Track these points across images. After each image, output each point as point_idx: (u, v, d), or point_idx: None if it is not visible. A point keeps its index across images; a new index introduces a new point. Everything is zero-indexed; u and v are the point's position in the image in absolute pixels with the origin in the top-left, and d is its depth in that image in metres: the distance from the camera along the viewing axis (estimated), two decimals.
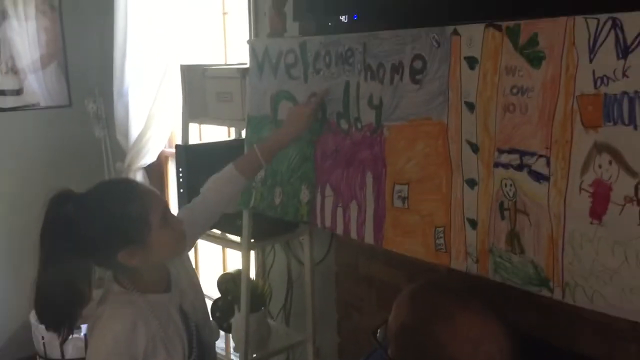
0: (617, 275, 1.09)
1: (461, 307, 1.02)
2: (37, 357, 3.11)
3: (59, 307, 1.30)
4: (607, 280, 1.10)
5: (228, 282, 2.21)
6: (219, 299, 2.25)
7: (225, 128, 2.58)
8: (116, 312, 1.31)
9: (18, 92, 3.14)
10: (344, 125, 1.58)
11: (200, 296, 1.53)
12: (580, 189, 1.11)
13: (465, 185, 1.31)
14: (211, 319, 2.16)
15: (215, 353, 1.63)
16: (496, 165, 1.24)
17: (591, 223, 1.11)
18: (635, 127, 1.02)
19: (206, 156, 2.12)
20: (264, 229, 2.05)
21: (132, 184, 1.41)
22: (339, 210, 1.63)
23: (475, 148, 1.27)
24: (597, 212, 1.09)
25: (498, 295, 1.45)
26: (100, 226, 1.27)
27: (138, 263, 1.30)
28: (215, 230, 2.17)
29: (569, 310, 1.31)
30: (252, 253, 2.12)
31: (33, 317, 3.08)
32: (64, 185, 1.35)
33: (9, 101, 3.12)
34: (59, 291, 1.29)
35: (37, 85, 3.17)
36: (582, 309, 1.25)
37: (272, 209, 1.83)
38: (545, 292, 1.21)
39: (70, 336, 1.35)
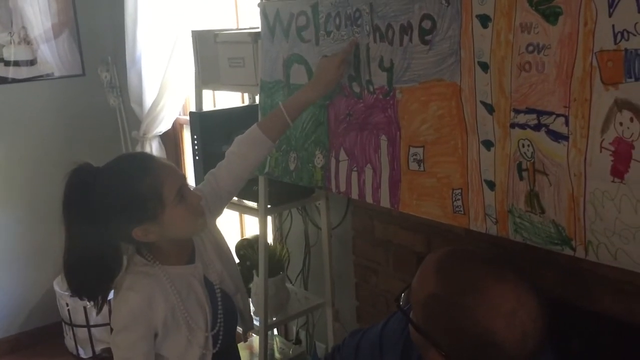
0: (637, 232, 1.07)
1: (494, 278, 0.98)
2: (63, 323, 3.19)
3: (90, 279, 1.32)
4: (630, 238, 1.08)
5: (246, 248, 2.23)
6: (237, 264, 2.27)
7: (239, 94, 2.57)
8: (134, 283, 1.32)
9: (32, 62, 3.14)
10: (356, 88, 1.56)
11: (231, 265, 1.52)
12: (601, 147, 1.08)
13: (481, 146, 1.29)
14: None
15: (251, 321, 1.64)
16: (512, 125, 1.21)
17: (613, 181, 1.08)
18: None
19: (221, 123, 2.12)
20: (281, 195, 2.05)
21: (147, 158, 1.37)
22: (354, 175, 1.62)
23: (490, 109, 1.24)
24: (619, 170, 1.07)
25: (517, 256, 1.45)
26: (113, 203, 1.27)
27: (154, 239, 1.30)
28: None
29: (588, 269, 1.30)
30: (269, 218, 2.12)
31: (57, 284, 3.14)
32: (81, 155, 1.35)
33: (24, 72, 3.12)
34: (88, 263, 1.30)
35: (50, 55, 3.16)
36: (600, 268, 1.25)
37: (287, 175, 1.82)
38: (567, 251, 1.20)
39: (105, 305, 1.37)
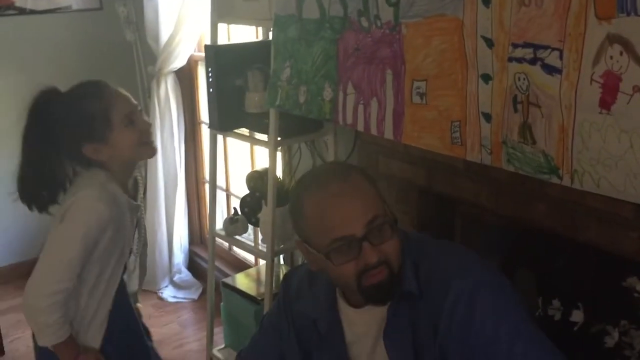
0: (622, 161, 1.14)
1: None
2: None
3: (41, 192, 1.54)
4: (613, 167, 1.16)
5: (256, 179, 2.32)
6: (247, 195, 2.37)
7: (253, 30, 2.61)
8: (102, 196, 1.51)
9: None
10: (364, 23, 1.61)
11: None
12: (592, 80, 1.14)
13: (480, 80, 1.35)
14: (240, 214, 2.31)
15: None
16: (510, 59, 1.27)
17: (600, 113, 1.15)
18: None
19: (235, 57, 2.18)
20: (290, 128, 2.12)
21: (102, 85, 1.56)
22: (360, 108, 1.69)
23: (490, 43, 1.30)
24: (607, 102, 1.13)
25: (507, 188, 1.53)
26: (66, 120, 1.48)
27: (104, 158, 1.47)
28: (243, 129, 2.26)
29: (575, 201, 1.38)
30: (279, 153, 2.20)
31: None
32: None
33: (42, 3, 3.18)
34: (40, 176, 1.53)
35: None
36: (588, 199, 1.32)
37: (297, 107, 1.89)
38: (554, 180, 1.27)
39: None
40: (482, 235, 1.81)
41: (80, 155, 1.52)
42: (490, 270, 1.20)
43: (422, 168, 1.83)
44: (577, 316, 1.37)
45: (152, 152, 1.59)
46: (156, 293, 3.39)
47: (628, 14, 1.06)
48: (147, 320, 3.17)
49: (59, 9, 3.20)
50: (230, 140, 2.97)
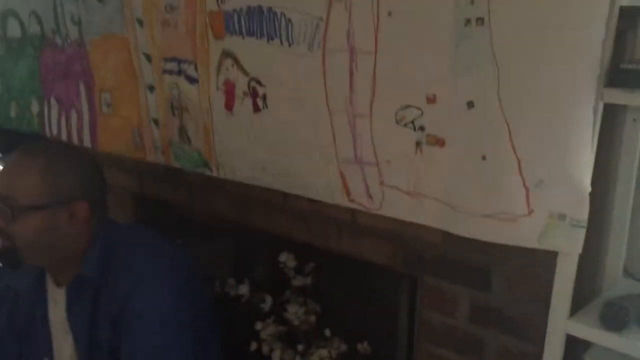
0: (245, 152, 1.41)
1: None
2: None
3: None
4: (241, 157, 1.42)
5: None
6: None
7: None
8: None
9: None
10: (58, 40, 1.76)
11: None
12: (217, 87, 1.41)
13: (147, 90, 1.57)
14: None
15: None
16: (164, 72, 1.51)
17: (226, 114, 1.41)
18: (243, 37, 1.32)
19: None
20: (12, 143, 2.18)
21: None
22: (62, 119, 1.83)
23: (149, 58, 1.53)
24: (229, 104, 1.40)
25: (197, 187, 1.76)
26: None
27: None
28: None
29: (244, 193, 1.62)
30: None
31: None
32: None
33: None
34: None
35: None
36: (254, 191, 1.58)
37: (9, 122, 1.97)
38: (207, 172, 1.52)
39: None
40: (184, 229, 2.03)
41: None
42: (166, 264, 1.31)
43: (134, 175, 2.01)
44: (243, 289, 1.62)
45: None
46: None
47: (232, 34, 1.34)
48: None
49: None
50: None
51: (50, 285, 1.37)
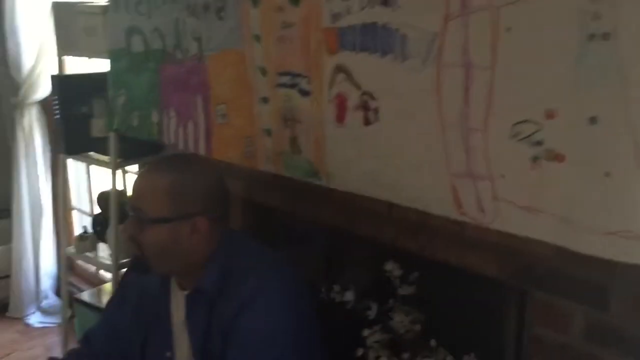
0: (356, 163, 1.45)
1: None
2: None
3: None
4: (351, 168, 1.46)
5: (106, 198, 2.51)
6: (99, 214, 2.55)
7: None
8: None
9: None
10: (178, 55, 1.87)
11: None
12: (329, 100, 1.46)
13: (260, 102, 1.64)
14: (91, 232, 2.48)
15: None
16: (278, 85, 1.57)
17: (338, 126, 1.46)
18: (357, 52, 1.36)
19: (80, 86, 2.39)
20: (133, 151, 2.34)
21: None
22: (180, 129, 1.95)
23: (264, 72, 1.60)
24: (340, 117, 1.44)
25: (303, 194, 1.81)
26: None
27: None
28: (93, 153, 2.46)
29: (351, 201, 1.67)
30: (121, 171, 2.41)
31: None
32: None
33: None
34: None
35: None
36: (359, 200, 1.61)
37: (131, 130, 2.12)
38: (317, 181, 1.56)
39: None
40: (290, 236, 2.10)
41: None
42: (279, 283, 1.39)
43: (244, 182, 2.11)
44: (349, 296, 1.66)
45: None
46: (22, 320, 3.43)
47: (345, 49, 1.38)
48: (11, 345, 3.23)
49: None
50: (78, 163, 3.13)
51: (174, 288, 1.47)
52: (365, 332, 1.57)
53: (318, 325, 1.44)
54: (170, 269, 1.44)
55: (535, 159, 1.10)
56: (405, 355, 1.54)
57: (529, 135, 1.10)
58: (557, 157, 1.07)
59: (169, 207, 1.35)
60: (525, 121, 1.10)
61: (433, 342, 1.51)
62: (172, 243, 1.36)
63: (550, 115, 1.07)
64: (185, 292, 1.44)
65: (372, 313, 1.60)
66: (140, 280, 1.51)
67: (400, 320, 1.54)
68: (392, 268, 1.63)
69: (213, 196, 1.42)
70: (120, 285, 1.59)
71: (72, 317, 2.81)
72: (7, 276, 3.44)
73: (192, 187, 1.38)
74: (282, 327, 1.33)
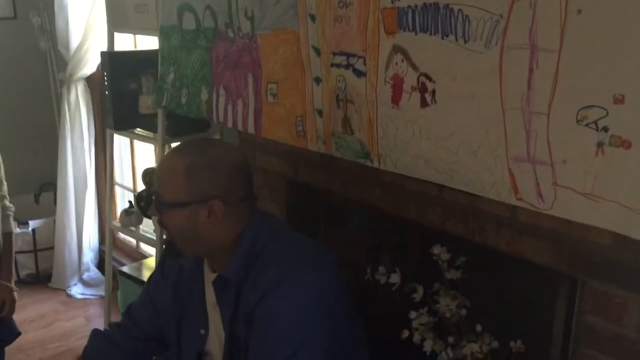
0: (409, 145, 1.44)
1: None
2: None
3: None
4: (404, 150, 1.46)
5: (150, 174, 2.54)
6: (143, 190, 2.59)
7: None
8: None
9: None
10: (230, 34, 1.88)
11: None
12: (385, 81, 1.45)
13: (313, 82, 1.64)
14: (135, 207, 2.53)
15: None
16: (332, 65, 1.57)
17: (392, 107, 1.45)
18: (416, 33, 1.35)
19: (129, 63, 2.42)
20: (181, 128, 2.37)
21: None
22: (229, 107, 1.96)
23: (318, 52, 1.60)
24: (396, 98, 1.44)
25: (352, 176, 1.82)
26: None
27: None
28: (139, 129, 2.49)
29: (400, 185, 1.67)
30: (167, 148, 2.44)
31: None
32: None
33: None
34: None
35: None
36: (407, 183, 1.62)
37: (180, 107, 2.14)
38: (368, 163, 1.57)
39: None
40: (334, 217, 2.11)
41: None
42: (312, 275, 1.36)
43: (290, 161, 2.12)
44: (395, 278, 1.66)
45: None
46: (64, 291, 3.52)
47: (405, 30, 1.37)
48: (54, 315, 3.32)
49: None
50: (138, 143, 3.18)
51: (207, 269, 1.50)
52: (412, 315, 1.57)
53: (351, 318, 1.44)
54: (196, 251, 1.45)
55: (600, 145, 1.09)
56: (451, 339, 1.54)
57: (595, 121, 1.08)
58: (624, 144, 1.05)
59: (185, 191, 1.35)
60: (591, 106, 1.08)
61: (479, 327, 1.50)
62: (191, 227, 1.36)
63: (618, 100, 1.04)
64: (214, 276, 1.45)
65: (418, 296, 1.60)
66: (178, 260, 1.54)
67: (446, 304, 1.53)
68: (439, 252, 1.62)
69: (232, 179, 1.38)
70: (160, 262, 1.63)
71: (114, 289, 2.89)
72: (51, 248, 3.53)
73: (210, 170, 1.35)
74: (302, 315, 1.31)
